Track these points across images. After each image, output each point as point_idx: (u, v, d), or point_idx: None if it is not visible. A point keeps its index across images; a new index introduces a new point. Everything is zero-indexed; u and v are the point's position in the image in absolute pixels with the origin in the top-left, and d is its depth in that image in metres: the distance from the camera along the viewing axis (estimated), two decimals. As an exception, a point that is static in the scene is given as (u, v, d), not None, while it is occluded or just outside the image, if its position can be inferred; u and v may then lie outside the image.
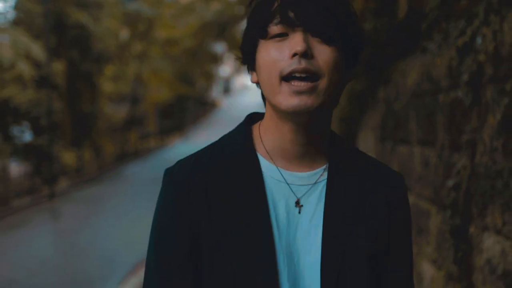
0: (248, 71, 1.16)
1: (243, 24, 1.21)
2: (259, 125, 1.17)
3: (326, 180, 1.13)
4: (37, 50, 15.73)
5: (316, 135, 1.12)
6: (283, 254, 1.08)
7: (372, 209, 1.13)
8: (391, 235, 1.14)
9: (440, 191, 3.18)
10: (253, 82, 1.14)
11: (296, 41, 1.04)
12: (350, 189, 1.13)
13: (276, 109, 1.09)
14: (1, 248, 9.12)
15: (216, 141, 1.18)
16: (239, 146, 1.15)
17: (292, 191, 1.12)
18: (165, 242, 1.11)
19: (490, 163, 2.47)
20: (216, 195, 1.10)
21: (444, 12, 3.61)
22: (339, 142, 1.18)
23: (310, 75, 1.04)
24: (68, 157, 18.14)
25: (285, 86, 1.04)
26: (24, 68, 14.93)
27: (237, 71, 41.73)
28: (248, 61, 1.14)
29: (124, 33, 26.09)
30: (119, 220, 10.92)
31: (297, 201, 1.11)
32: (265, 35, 1.08)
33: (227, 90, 57.62)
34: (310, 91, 1.04)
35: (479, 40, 2.59)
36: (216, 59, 32.93)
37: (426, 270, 3.52)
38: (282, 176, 1.12)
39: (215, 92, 52.03)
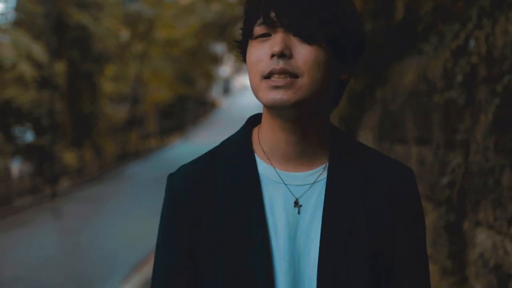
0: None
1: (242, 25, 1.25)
2: (259, 127, 1.18)
3: (326, 179, 1.12)
4: (38, 50, 15.80)
5: (311, 134, 1.12)
6: (283, 256, 1.08)
7: (374, 207, 1.10)
8: (397, 233, 1.11)
9: (436, 189, 3.28)
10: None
11: (275, 42, 1.05)
12: (351, 187, 1.11)
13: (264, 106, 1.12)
14: (5, 247, 9.21)
15: (218, 145, 1.20)
16: (238, 149, 1.16)
17: (290, 191, 1.11)
18: (166, 244, 1.15)
19: (482, 161, 2.57)
20: (214, 199, 1.12)
21: (440, 15, 3.71)
22: (342, 138, 1.17)
23: (289, 75, 1.04)
24: (69, 157, 18.23)
25: (264, 82, 1.06)
26: (26, 69, 15.00)
27: (237, 71, 41.85)
28: (244, 60, 1.16)
29: (125, 34, 26.17)
30: (120, 220, 11.00)
31: (295, 202, 1.11)
32: (251, 36, 1.10)
33: (227, 90, 57.69)
34: (287, 86, 1.04)
35: (472, 43, 2.69)
36: (216, 60, 33.07)
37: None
38: (280, 177, 1.12)
39: (215, 92, 52.11)
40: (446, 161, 3.09)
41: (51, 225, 11.35)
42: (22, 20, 18.30)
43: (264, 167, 1.13)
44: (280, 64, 1.04)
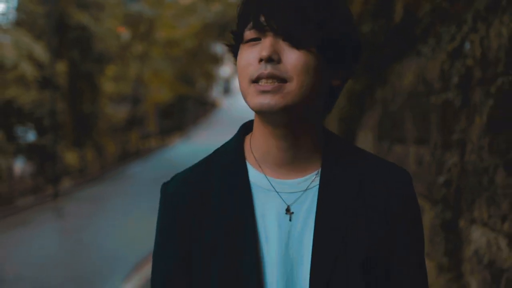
0: None
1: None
2: (251, 134, 1.17)
3: (318, 185, 1.10)
4: (39, 50, 15.84)
5: (303, 139, 1.10)
6: (276, 264, 1.07)
7: (370, 212, 1.09)
8: (397, 236, 1.10)
9: (433, 188, 3.35)
10: None
11: (263, 46, 1.04)
12: (345, 193, 1.09)
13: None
14: (8, 245, 9.27)
15: (212, 152, 1.19)
16: (230, 157, 1.15)
17: (282, 199, 1.10)
18: (166, 247, 1.15)
19: (477, 161, 2.64)
20: (206, 208, 1.11)
21: (438, 17, 3.78)
22: (335, 143, 1.15)
23: (277, 80, 1.04)
24: (71, 157, 18.29)
25: (253, 87, 1.06)
26: (27, 69, 15.05)
27: (237, 71, 41.84)
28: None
29: (125, 34, 26.24)
30: (120, 219, 11.06)
31: (287, 209, 1.09)
32: (242, 40, 1.09)
33: (227, 90, 57.76)
34: (275, 91, 1.03)
35: (467, 45, 2.76)
36: (216, 60, 33.12)
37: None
38: (271, 185, 1.11)
39: (215, 92, 52.19)
40: (442, 161, 3.16)
41: (53, 224, 11.42)
42: (23, 20, 18.34)
43: (255, 175, 1.12)
44: (268, 68, 1.03)
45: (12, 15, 18.58)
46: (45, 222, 11.58)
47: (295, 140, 1.10)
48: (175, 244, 1.12)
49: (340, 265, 1.05)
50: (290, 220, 1.09)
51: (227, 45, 1.16)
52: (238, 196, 1.10)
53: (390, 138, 4.77)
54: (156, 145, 30.00)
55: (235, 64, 1.14)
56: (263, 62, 1.04)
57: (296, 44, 1.04)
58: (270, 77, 1.03)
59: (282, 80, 1.04)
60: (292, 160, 1.11)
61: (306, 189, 1.10)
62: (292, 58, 1.04)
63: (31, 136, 16.60)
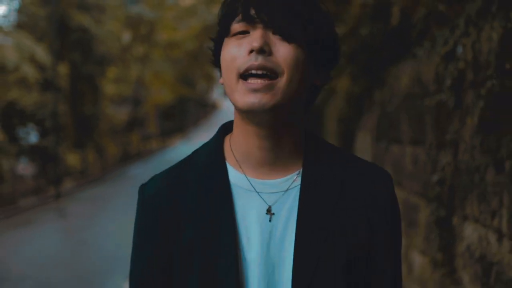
0: (220, 73, 1.12)
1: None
2: (231, 134, 1.14)
3: (299, 185, 1.09)
4: (41, 52, 15.96)
5: (285, 139, 1.09)
6: (257, 265, 1.06)
7: (350, 213, 1.08)
8: (378, 236, 1.09)
9: (429, 186, 3.46)
10: (221, 83, 1.11)
11: (254, 38, 1.02)
12: (326, 193, 1.08)
13: (236, 109, 1.08)
14: (11, 245, 9.37)
15: (190, 154, 1.17)
16: (209, 158, 1.12)
17: (263, 199, 1.08)
18: (139, 252, 1.13)
19: (470, 160, 2.75)
20: (184, 209, 1.09)
21: (433, 20, 3.89)
22: (316, 143, 1.13)
23: (268, 73, 1.02)
24: (72, 159, 18.41)
25: (241, 84, 1.03)
26: (28, 71, 15.15)
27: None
28: (217, 61, 1.12)
29: (126, 36, 26.36)
30: (121, 219, 11.16)
31: (268, 209, 1.08)
32: (228, 33, 1.07)
33: (227, 91, 57.79)
34: (266, 89, 1.01)
35: (460, 49, 2.87)
36: (216, 61, 33.17)
37: (416, 259, 3.80)
38: (252, 185, 1.09)
39: (216, 94, 52.30)
40: (437, 160, 3.27)
41: (55, 224, 11.52)
42: (25, 23, 18.47)
43: (235, 176, 1.10)
44: (258, 60, 1.01)
45: (14, 17, 18.71)
46: (47, 222, 11.69)
47: (278, 140, 1.08)
48: (153, 245, 1.10)
49: (322, 266, 1.04)
50: (270, 220, 1.07)
51: (210, 38, 1.13)
52: (217, 197, 1.08)
53: (387, 139, 4.87)
54: (157, 146, 30.13)
55: (213, 61, 1.13)
56: (253, 53, 1.02)
57: (287, 38, 1.03)
58: (261, 68, 1.01)
59: (273, 73, 1.02)
60: (273, 160, 1.09)
61: (287, 189, 1.09)
62: (283, 51, 1.02)
63: (33, 137, 16.71)
